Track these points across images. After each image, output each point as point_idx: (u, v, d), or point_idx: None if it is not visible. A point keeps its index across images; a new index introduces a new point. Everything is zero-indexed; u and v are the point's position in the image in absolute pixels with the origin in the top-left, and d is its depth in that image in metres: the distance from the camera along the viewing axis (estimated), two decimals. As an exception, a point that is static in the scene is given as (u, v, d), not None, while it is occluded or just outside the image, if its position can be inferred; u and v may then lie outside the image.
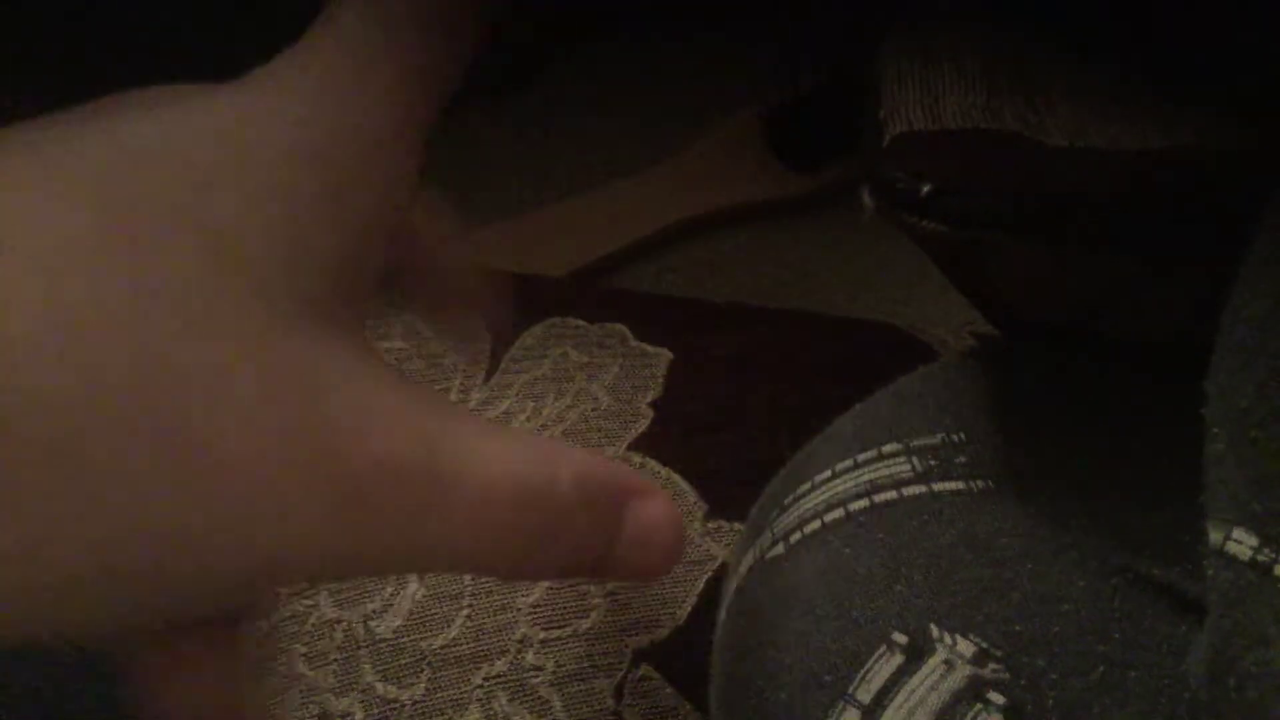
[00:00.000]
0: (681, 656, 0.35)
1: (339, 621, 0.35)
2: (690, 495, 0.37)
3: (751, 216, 0.55)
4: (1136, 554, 0.24)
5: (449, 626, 0.35)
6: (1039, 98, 0.25)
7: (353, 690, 0.35)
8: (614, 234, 0.54)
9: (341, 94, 0.17)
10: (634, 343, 0.40)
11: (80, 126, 0.16)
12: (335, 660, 0.35)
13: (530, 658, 0.35)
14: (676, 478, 0.38)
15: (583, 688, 0.35)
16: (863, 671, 0.23)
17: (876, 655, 0.24)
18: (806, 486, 0.28)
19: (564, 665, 0.35)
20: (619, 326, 0.40)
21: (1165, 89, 0.25)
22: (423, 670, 0.34)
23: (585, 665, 0.35)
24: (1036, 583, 0.24)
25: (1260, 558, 0.19)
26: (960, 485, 0.26)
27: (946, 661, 0.23)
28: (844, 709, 0.23)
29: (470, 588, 0.35)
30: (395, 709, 0.34)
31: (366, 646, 0.35)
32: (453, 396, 0.38)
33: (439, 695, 0.34)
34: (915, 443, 0.27)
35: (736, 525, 0.36)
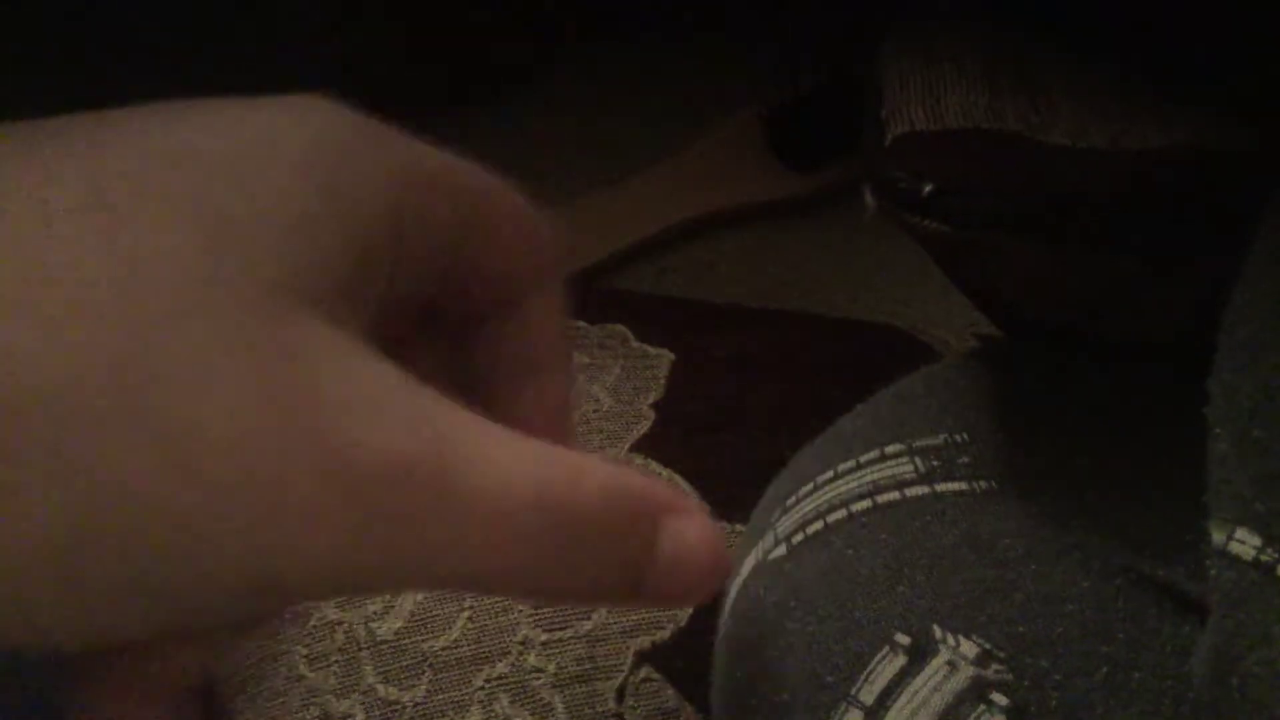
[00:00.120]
0: (683, 658, 0.35)
1: (340, 623, 0.35)
2: (692, 496, 0.37)
3: (752, 217, 0.55)
4: (1139, 554, 0.24)
5: (450, 628, 0.35)
6: (1040, 98, 0.25)
7: (354, 692, 0.35)
8: (614, 235, 0.54)
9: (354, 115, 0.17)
10: (635, 344, 0.40)
11: (81, 123, 0.16)
12: (336, 662, 0.35)
13: (532, 659, 0.35)
14: (678, 479, 0.38)
15: (584, 689, 0.35)
16: (866, 672, 0.23)
17: (879, 656, 0.23)
18: (809, 487, 0.28)
19: (566, 667, 0.35)
20: (620, 328, 0.40)
21: (1165, 89, 0.25)
22: (424, 672, 0.34)
23: (587, 667, 0.35)
24: (1039, 583, 0.24)
25: (1263, 558, 0.19)
26: (963, 486, 0.26)
27: (950, 662, 0.23)
28: (847, 710, 0.23)
29: (472, 589, 0.35)
30: (397, 710, 0.34)
31: (368, 648, 0.35)
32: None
33: (440, 697, 0.34)
34: (918, 443, 0.27)
35: (739, 526, 0.35)
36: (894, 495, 0.26)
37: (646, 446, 0.38)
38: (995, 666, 0.23)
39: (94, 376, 0.13)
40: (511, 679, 0.34)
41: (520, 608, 0.35)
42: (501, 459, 0.16)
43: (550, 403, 0.21)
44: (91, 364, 0.13)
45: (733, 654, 0.27)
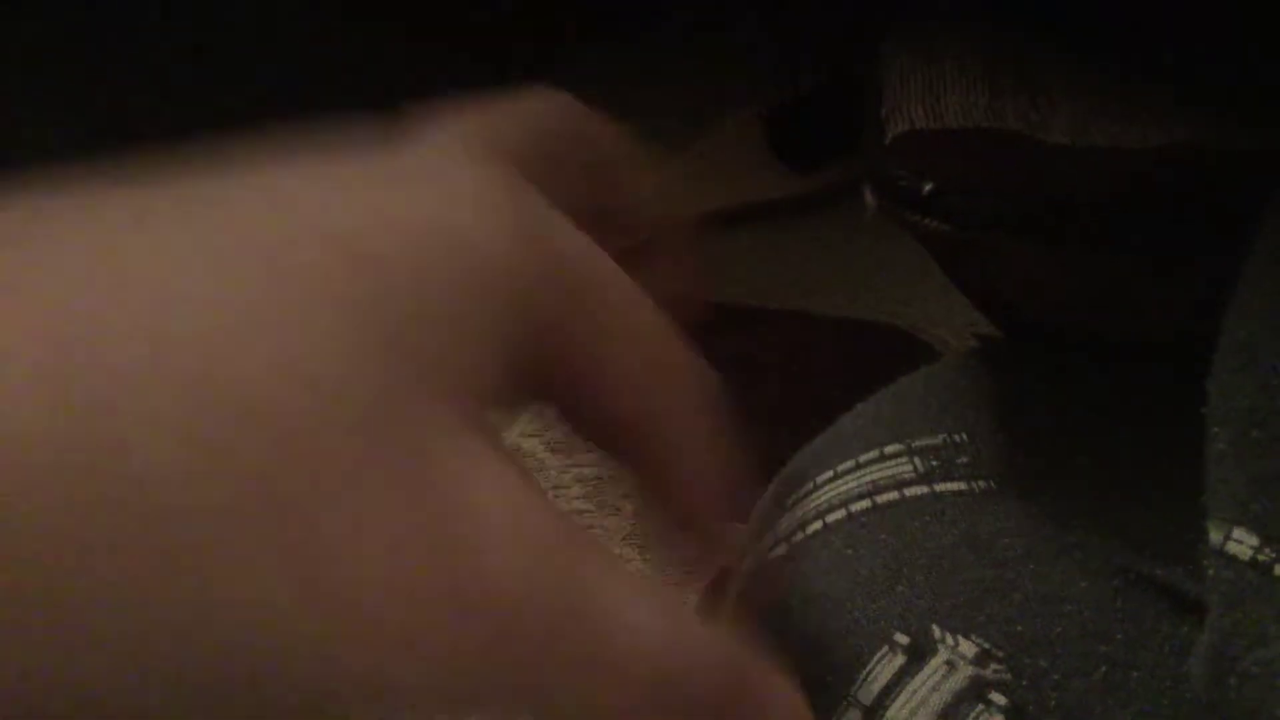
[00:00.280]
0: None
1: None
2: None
3: (752, 217, 0.55)
4: (1139, 554, 0.24)
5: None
6: (1041, 97, 0.25)
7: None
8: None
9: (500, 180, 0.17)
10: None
11: (238, 185, 0.15)
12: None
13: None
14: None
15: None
16: (865, 672, 0.23)
17: (878, 656, 0.24)
18: (809, 487, 0.28)
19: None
20: (620, 327, 0.40)
21: (1165, 89, 0.25)
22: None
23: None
24: (1038, 583, 0.24)
25: (1261, 557, 0.19)
26: (962, 486, 0.26)
27: (948, 662, 0.23)
28: (846, 709, 0.23)
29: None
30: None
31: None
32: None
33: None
34: (917, 443, 0.27)
35: (739, 526, 0.35)
36: (893, 495, 0.26)
37: (646, 446, 0.38)
38: (994, 666, 0.23)
39: (236, 479, 0.13)
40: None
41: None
42: (631, 616, 0.15)
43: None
44: (238, 476, 0.13)
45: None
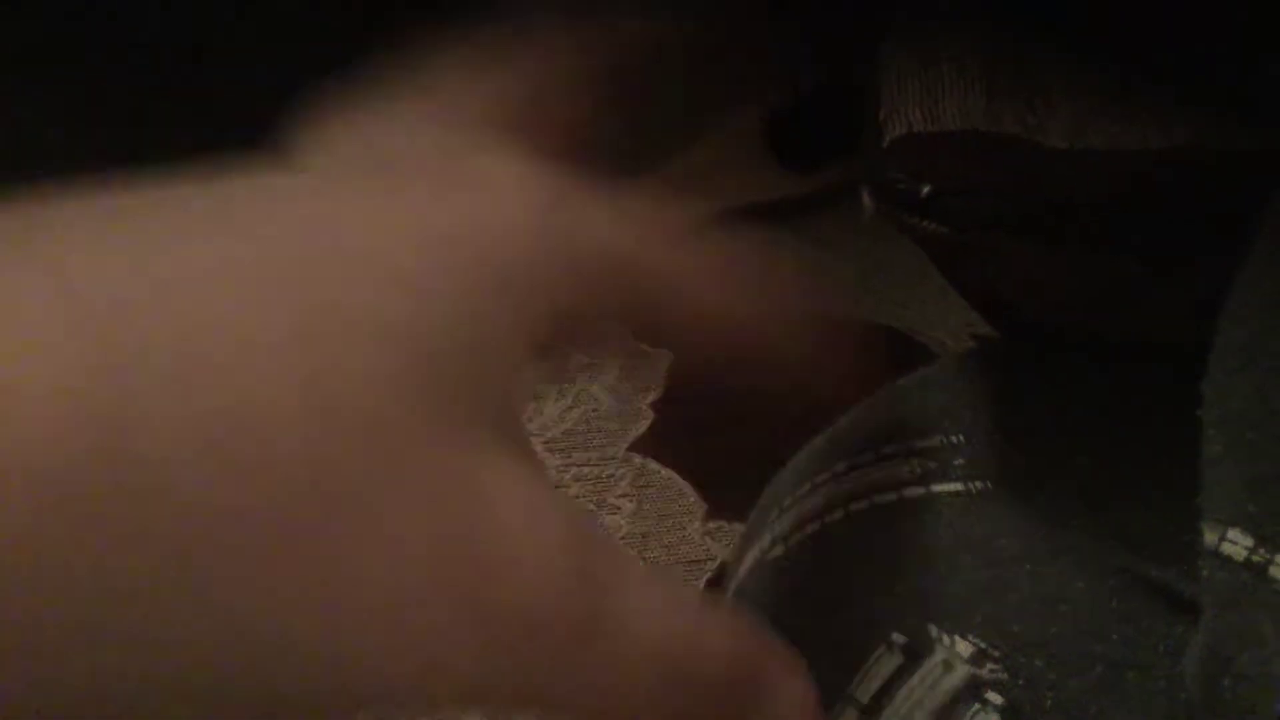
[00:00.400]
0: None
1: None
2: (690, 495, 0.37)
3: (751, 218, 0.55)
4: (1135, 555, 0.24)
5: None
6: (1039, 99, 0.25)
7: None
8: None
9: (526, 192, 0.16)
10: (634, 342, 0.40)
11: (271, 198, 0.15)
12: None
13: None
14: (677, 478, 0.38)
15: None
16: (861, 671, 0.24)
17: (875, 655, 0.24)
18: (806, 487, 0.28)
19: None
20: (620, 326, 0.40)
21: (1165, 89, 0.25)
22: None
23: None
24: (1035, 584, 0.24)
25: (1255, 558, 0.19)
26: (959, 487, 0.26)
27: (945, 662, 0.23)
28: (844, 708, 0.23)
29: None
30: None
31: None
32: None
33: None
34: (914, 444, 0.27)
35: (737, 525, 0.36)
36: (891, 496, 0.26)
37: (645, 445, 0.38)
38: (990, 666, 0.23)
39: (262, 499, 0.13)
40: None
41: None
42: (644, 611, 0.15)
43: None
44: (257, 491, 0.13)
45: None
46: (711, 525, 0.37)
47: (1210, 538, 0.19)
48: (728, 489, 0.37)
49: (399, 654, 0.14)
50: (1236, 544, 0.19)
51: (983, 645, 0.23)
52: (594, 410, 0.39)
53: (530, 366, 0.16)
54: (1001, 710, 0.22)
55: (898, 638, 0.24)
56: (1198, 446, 0.21)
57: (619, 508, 0.37)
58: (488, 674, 0.14)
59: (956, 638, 0.23)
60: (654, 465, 0.38)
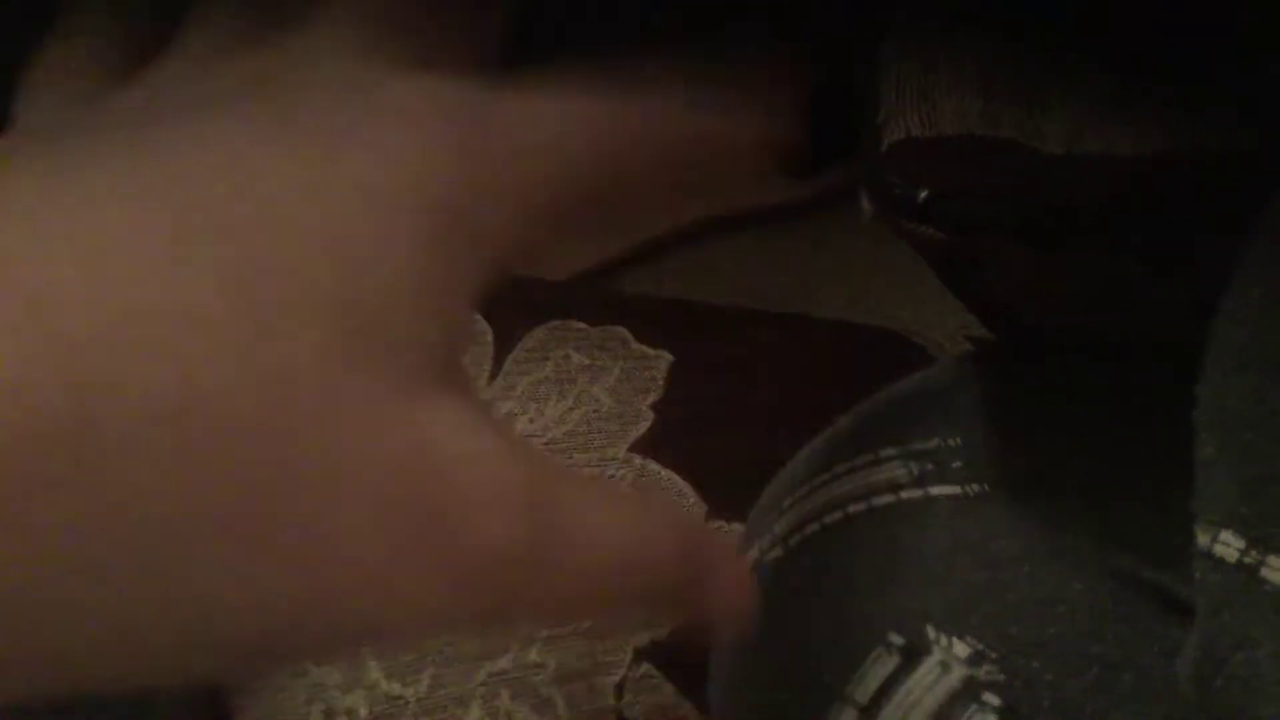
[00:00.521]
0: (682, 655, 0.35)
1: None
2: (690, 497, 0.37)
3: (750, 221, 0.55)
4: (1132, 556, 0.24)
5: (452, 626, 0.35)
6: (1036, 104, 0.25)
7: (357, 687, 0.35)
8: (615, 238, 0.54)
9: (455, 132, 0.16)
10: (635, 345, 0.40)
11: (197, 152, 0.15)
12: (339, 658, 0.36)
13: (533, 655, 0.35)
14: (677, 479, 0.38)
15: (584, 685, 0.35)
16: (859, 672, 0.24)
17: (873, 656, 0.24)
18: (805, 489, 0.28)
19: (566, 663, 0.35)
20: (620, 329, 0.41)
21: (1164, 92, 0.25)
22: (426, 667, 0.35)
23: (587, 663, 0.35)
24: (1032, 585, 0.24)
25: (1247, 560, 0.19)
26: (956, 489, 0.26)
27: (942, 663, 0.23)
28: (842, 708, 0.24)
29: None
30: (399, 705, 0.35)
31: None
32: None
33: (442, 692, 0.35)
34: (911, 447, 0.27)
35: (736, 526, 0.36)
36: (889, 498, 0.26)
37: (646, 447, 0.38)
38: (987, 667, 0.23)
39: (222, 464, 0.13)
40: (512, 674, 0.35)
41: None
42: (593, 528, 0.16)
43: None
44: (217, 459, 0.13)
45: (731, 652, 0.27)
46: (711, 526, 0.37)
47: (1203, 539, 0.19)
48: (727, 490, 0.37)
49: (360, 590, 0.14)
50: (1229, 546, 0.19)
51: (980, 646, 0.23)
52: (595, 411, 0.39)
53: (475, 299, 0.16)
54: (999, 711, 0.22)
55: (895, 639, 0.24)
56: (1193, 448, 0.21)
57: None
58: (447, 601, 0.15)
59: (954, 639, 0.23)
60: (654, 466, 0.38)
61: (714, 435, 0.38)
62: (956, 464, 0.27)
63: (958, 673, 0.23)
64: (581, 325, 0.41)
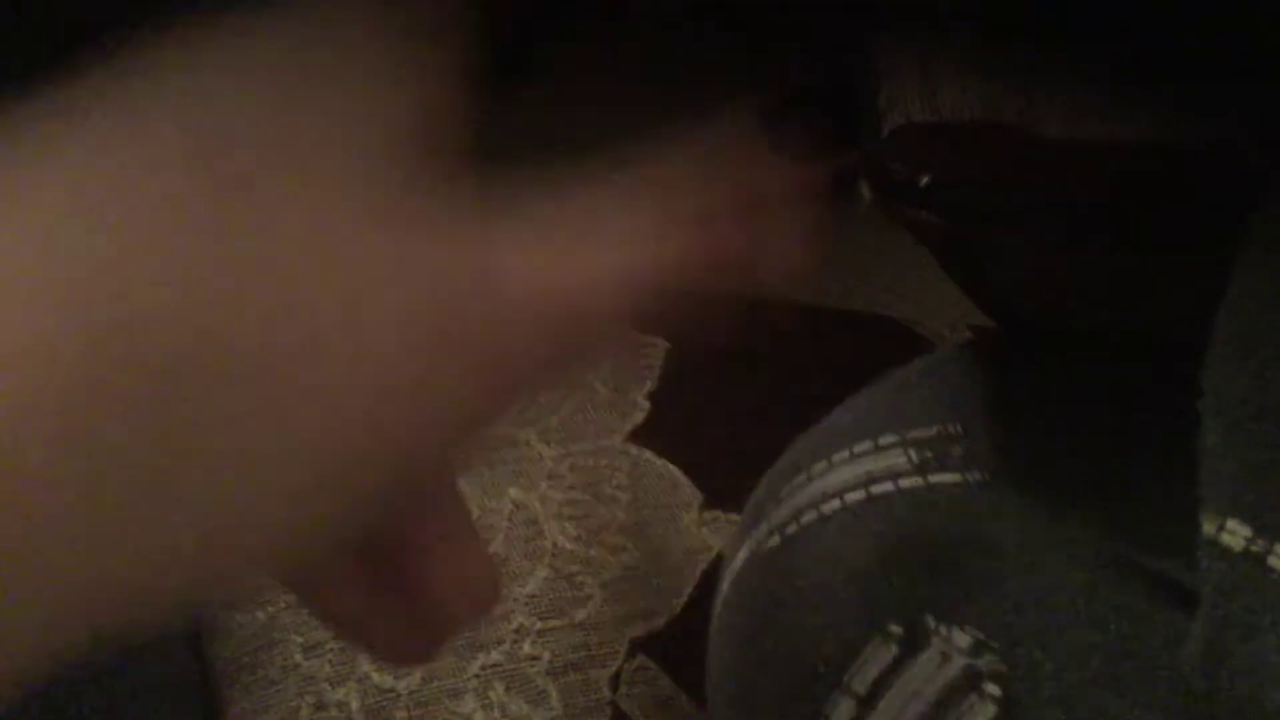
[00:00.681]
0: (678, 647, 0.35)
1: (336, 611, 0.36)
2: (686, 486, 0.37)
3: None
4: (1133, 545, 0.24)
5: (446, 617, 0.35)
6: (1036, 91, 0.25)
7: (349, 680, 0.35)
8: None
9: None
10: (631, 335, 0.40)
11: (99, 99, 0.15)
12: (331, 650, 0.35)
13: (527, 647, 0.35)
14: (673, 469, 0.38)
15: (579, 677, 0.35)
16: (858, 662, 0.24)
17: (872, 645, 0.24)
18: (803, 478, 0.28)
19: (561, 655, 0.35)
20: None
21: (1164, 81, 0.25)
22: (419, 660, 0.34)
23: (582, 655, 0.35)
24: (1032, 574, 0.24)
25: (1254, 548, 0.19)
26: (956, 477, 0.26)
27: (942, 653, 0.23)
28: (840, 698, 0.23)
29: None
30: (391, 698, 0.34)
31: (363, 636, 0.35)
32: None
33: (435, 684, 0.34)
34: (911, 434, 0.27)
35: (733, 516, 0.36)
36: (888, 486, 0.26)
37: (642, 436, 0.38)
38: (988, 657, 0.23)
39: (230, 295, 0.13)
40: (506, 666, 0.34)
41: (516, 596, 0.35)
42: (537, 267, 0.17)
43: None
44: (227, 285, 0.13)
45: (727, 643, 0.27)
46: (707, 516, 0.37)
47: (1208, 528, 0.19)
48: (724, 480, 0.37)
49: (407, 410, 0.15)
50: (1235, 534, 0.19)
51: (980, 636, 0.23)
52: (590, 400, 0.39)
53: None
54: (999, 701, 0.22)
55: (894, 628, 0.24)
56: (1195, 438, 0.21)
57: (616, 498, 0.38)
58: (459, 404, 0.16)
59: (954, 629, 0.23)
60: (650, 456, 0.38)
61: (711, 424, 0.38)
62: (957, 451, 0.27)
63: (958, 663, 0.23)
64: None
